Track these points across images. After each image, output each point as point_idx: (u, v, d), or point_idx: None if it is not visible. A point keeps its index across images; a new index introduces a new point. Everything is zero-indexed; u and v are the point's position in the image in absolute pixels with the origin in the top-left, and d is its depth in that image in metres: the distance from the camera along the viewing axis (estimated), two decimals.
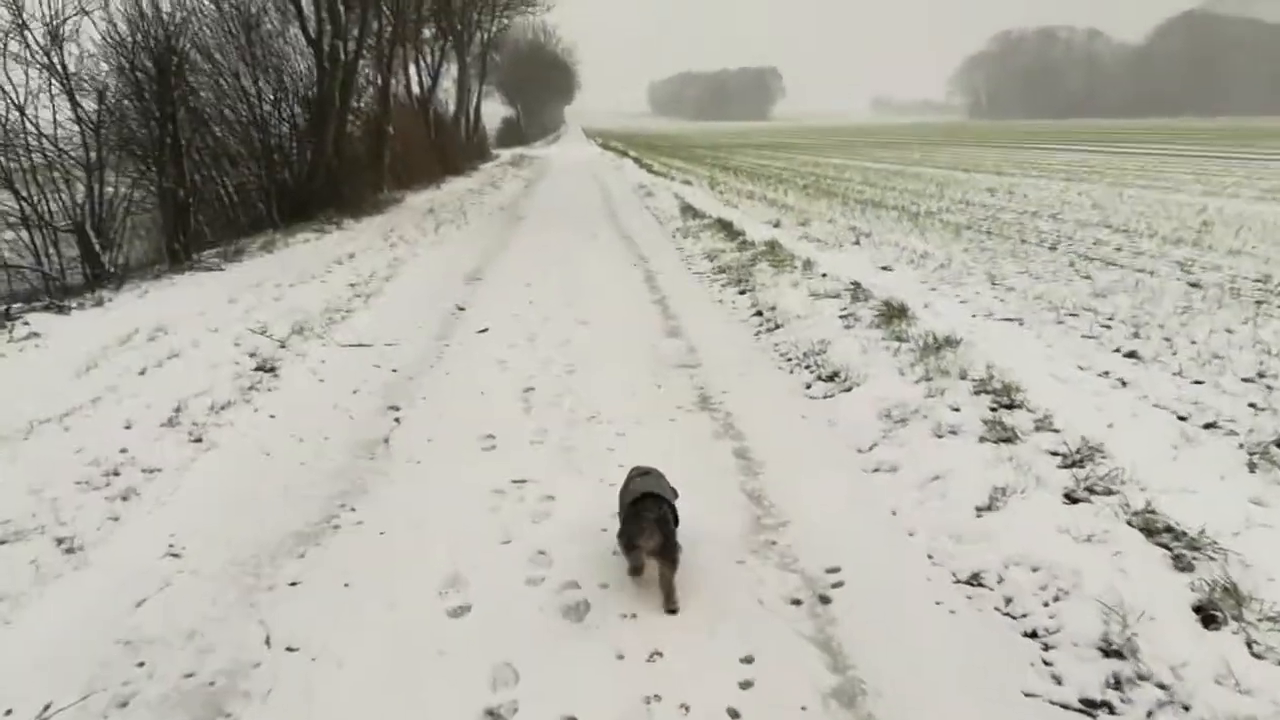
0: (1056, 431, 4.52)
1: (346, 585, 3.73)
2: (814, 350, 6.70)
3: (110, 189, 11.41)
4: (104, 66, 11.81)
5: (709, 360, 7.01)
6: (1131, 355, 5.84)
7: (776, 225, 13.90)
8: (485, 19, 45.62)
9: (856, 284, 8.49)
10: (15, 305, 8.95)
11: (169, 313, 8.65)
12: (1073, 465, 4.16)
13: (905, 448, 4.66)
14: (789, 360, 6.74)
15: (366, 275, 11.32)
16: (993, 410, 4.93)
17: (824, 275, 9.22)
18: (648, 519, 3.38)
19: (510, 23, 50.27)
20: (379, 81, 24.79)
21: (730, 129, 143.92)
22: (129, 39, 12.17)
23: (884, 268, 9.79)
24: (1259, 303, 7.52)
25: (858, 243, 11.75)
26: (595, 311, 8.97)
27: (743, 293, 9.31)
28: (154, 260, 12.90)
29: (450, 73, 42.28)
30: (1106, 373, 5.51)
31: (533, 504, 4.45)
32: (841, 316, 7.43)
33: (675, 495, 3.73)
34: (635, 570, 3.61)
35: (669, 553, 3.39)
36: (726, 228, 13.47)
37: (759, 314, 8.31)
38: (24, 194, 10.20)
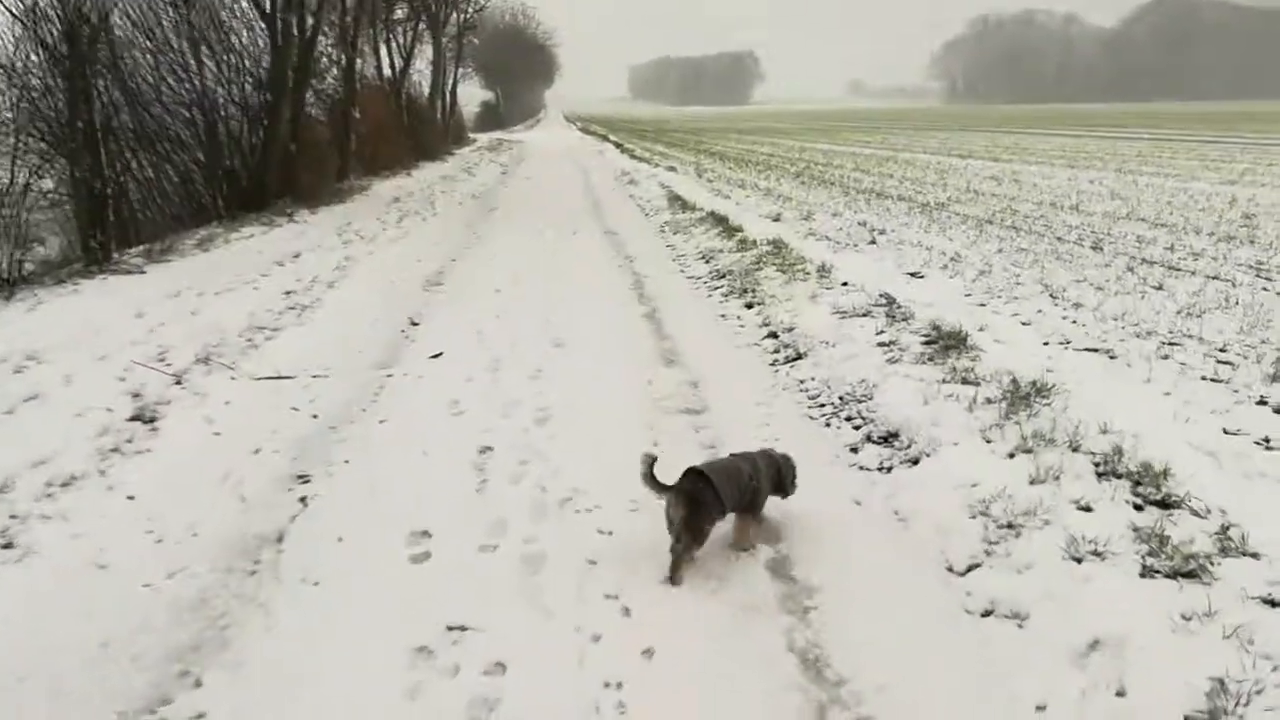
0: (1255, 557, 3.05)
1: None
2: (854, 395, 5.21)
3: (4, 176, 9.75)
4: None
5: (718, 403, 5.51)
6: None
7: (777, 220, 12.38)
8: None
9: (889, 298, 7.00)
10: None
11: (53, 333, 6.99)
12: None
13: (1027, 576, 3.18)
14: (822, 407, 5.25)
15: (308, 280, 9.71)
16: (1139, 509, 3.47)
17: (845, 285, 7.72)
18: (681, 489, 3.45)
19: (488, 3, 48.17)
20: (343, 61, 22.96)
21: (710, 113, 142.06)
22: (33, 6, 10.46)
23: (913, 274, 8.30)
24: None
25: (873, 241, 10.26)
26: (574, 329, 7.45)
27: (749, 306, 7.80)
28: (67, 260, 11.22)
29: (425, 54, 40.36)
30: (1267, 440, 4.05)
31: (473, 677, 2.93)
32: (881, 345, 5.94)
33: (788, 467, 3.86)
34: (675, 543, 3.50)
35: (691, 524, 3.43)
36: (722, 222, 11.94)
37: (773, 335, 6.81)
38: None
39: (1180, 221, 11.70)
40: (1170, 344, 5.67)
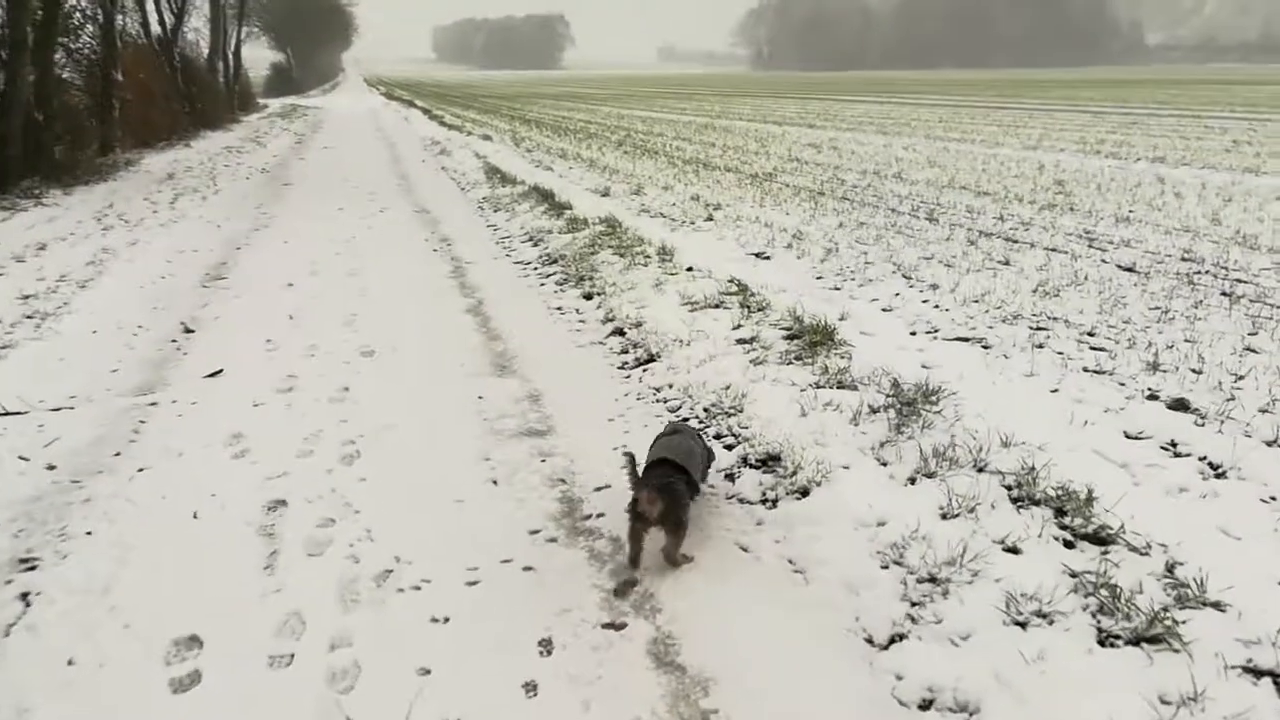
0: (1218, 608, 2.60)
1: None
2: (721, 406, 4.54)
3: None
4: None
5: (564, 421, 4.70)
6: (1181, 407, 4.09)
7: (606, 194, 11.62)
8: None
9: (740, 284, 6.41)
10: None
11: None
12: None
13: (966, 652, 2.59)
14: (684, 420, 4.55)
15: (54, 279, 8.06)
16: (1069, 545, 2.98)
17: (691, 270, 7.08)
18: (651, 485, 3.17)
19: None
20: (100, 18, 20.02)
21: (521, 78, 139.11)
22: None
23: (758, 255, 7.78)
24: (1235, 297, 6.10)
25: (710, 218, 9.70)
26: (386, 331, 6.40)
27: (588, 296, 7.00)
28: None
29: (202, 10, 36.49)
30: (1174, 444, 3.70)
31: None
32: (741, 342, 5.31)
33: (710, 457, 3.71)
34: (632, 558, 3.28)
35: (671, 517, 3.18)
36: (547, 198, 11.04)
37: (619, 333, 6.05)
38: None
39: (1000, 190, 11.89)
40: (1038, 328, 5.37)
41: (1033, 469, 3.38)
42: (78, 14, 19.19)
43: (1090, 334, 5.24)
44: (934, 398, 4.08)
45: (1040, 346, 4.96)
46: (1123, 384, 4.39)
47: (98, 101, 19.54)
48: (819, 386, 4.48)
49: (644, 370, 5.29)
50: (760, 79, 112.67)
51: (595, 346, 5.96)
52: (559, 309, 6.87)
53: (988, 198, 11.20)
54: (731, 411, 4.41)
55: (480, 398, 5.05)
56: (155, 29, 28.31)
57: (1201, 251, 7.71)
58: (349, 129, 30.67)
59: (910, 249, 7.86)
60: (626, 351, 5.71)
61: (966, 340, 5.19)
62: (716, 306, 6.04)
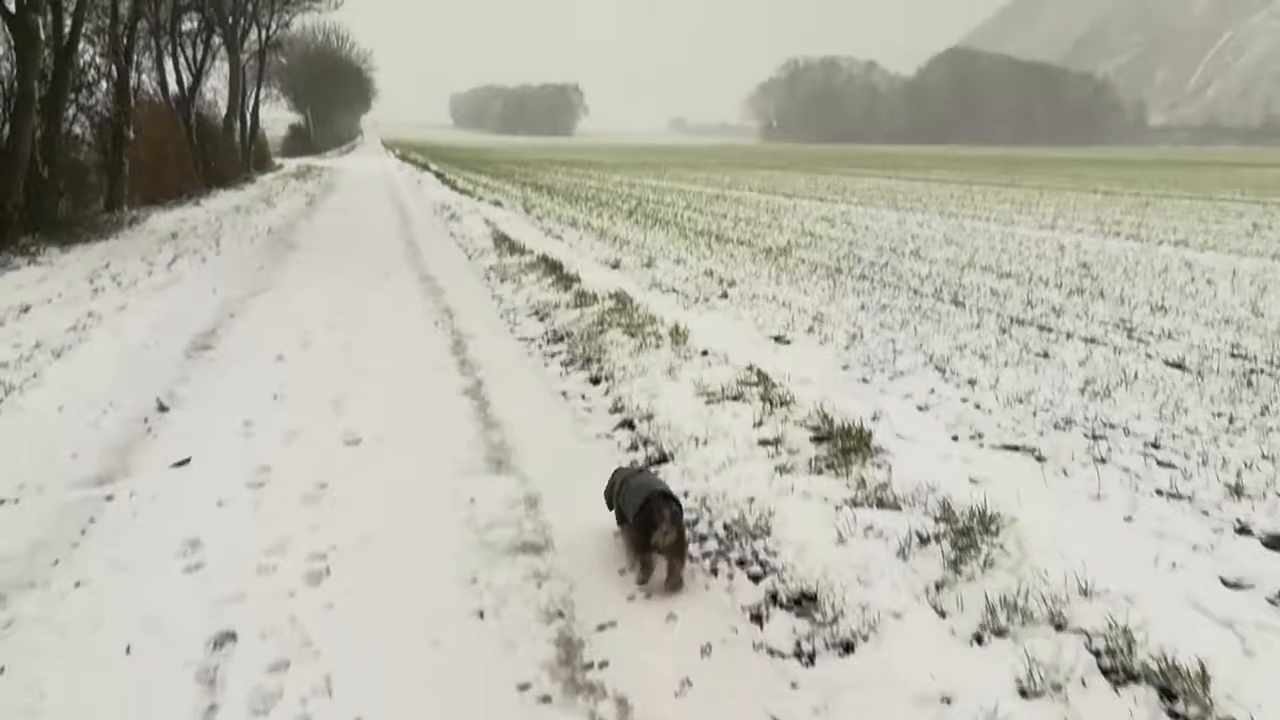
0: None
1: None
2: (744, 524, 3.98)
3: None
4: None
5: (564, 534, 4.14)
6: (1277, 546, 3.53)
7: (616, 266, 11.22)
8: (263, 13, 40.42)
9: (760, 373, 5.90)
10: None
11: None
12: None
13: None
14: (703, 541, 3.97)
15: (30, 345, 7.61)
16: None
17: (705, 354, 6.59)
18: (665, 513, 3.43)
19: (291, 19, 44.84)
20: (114, 74, 20.02)
21: (535, 144, 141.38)
22: None
23: (778, 339, 7.29)
24: None
25: (725, 295, 9.25)
26: (375, 415, 5.88)
27: (596, 381, 6.49)
28: None
29: (222, 71, 36.94)
30: None
31: None
32: (764, 443, 4.78)
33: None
34: (644, 575, 3.57)
35: (682, 549, 3.54)
36: (555, 269, 10.64)
37: (628, 425, 5.51)
38: None
39: (1024, 271, 11.47)
40: (1095, 436, 4.83)
41: (1125, 630, 2.81)
42: (92, 70, 19.20)
43: (1154, 445, 4.69)
44: (993, 525, 3.53)
45: (1102, 461, 4.41)
46: (1206, 512, 3.83)
47: (107, 158, 19.44)
48: (856, 504, 3.92)
49: (656, 472, 4.75)
50: (770, 150, 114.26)
51: (602, 440, 5.42)
52: (563, 393, 6.35)
53: (1011, 280, 10.76)
54: (757, 533, 3.85)
55: (472, 500, 4.50)
56: (173, 88, 28.58)
57: (1250, 346, 7.21)
58: (361, 191, 30.68)
59: (939, 336, 7.37)
60: (636, 448, 5.17)
61: (1016, 449, 4.64)
62: (735, 399, 5.52)
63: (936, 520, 3.65)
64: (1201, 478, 4.22)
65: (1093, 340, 7.32)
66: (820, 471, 4.33)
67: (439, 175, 37.05)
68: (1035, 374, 6.15)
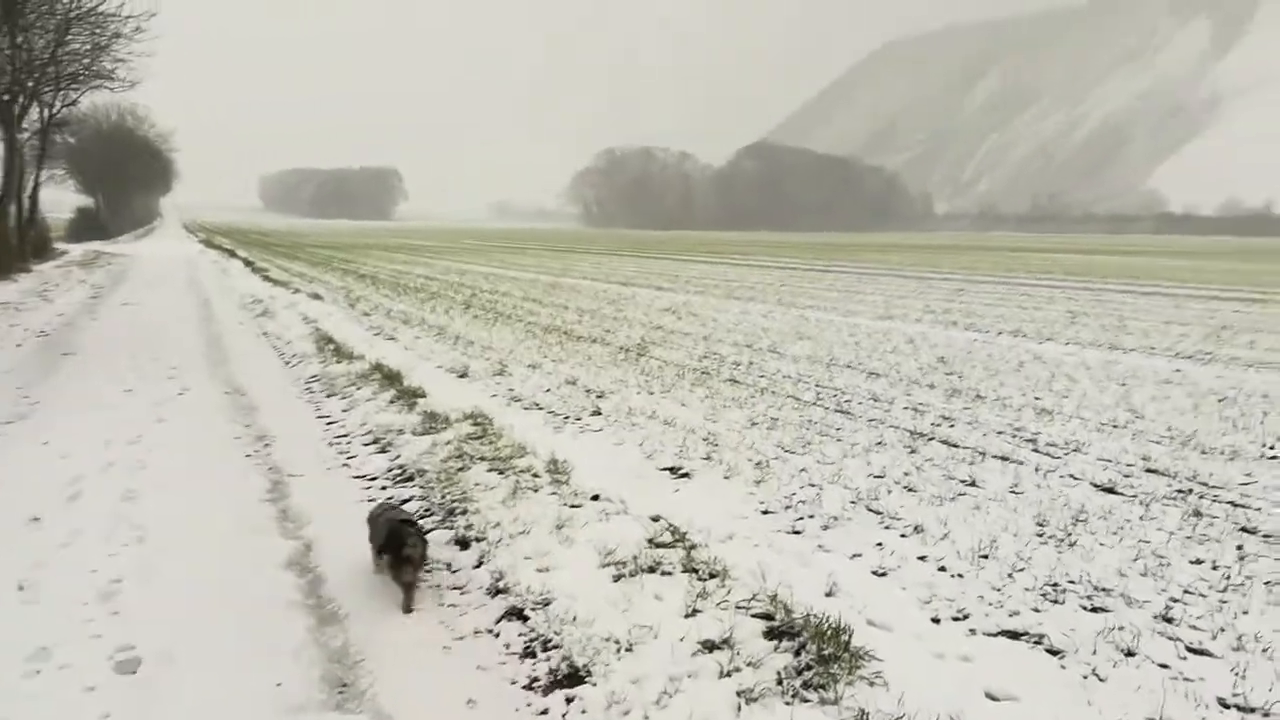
0: None
1: None
2: None
3: None
4: None
5: None
6: None
7: (464, 375, 9.91)
8: (46, 90, 36.52)
9: (672, 529, 4.81)
10: None
11: None
12: None
13: None
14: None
15: None
16: None
17: (596, 499, 5.45)
18: (414, 534, 4.39)
19: (79, 98, 40.88)
20: None
21: (351, 227, 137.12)
22: None
23: (673, 470, 6.26)
24: (1265, 535, 5.06)
25: (598, 411, 8.16)
26: (163, 614, 4.32)
27: (463, 544, 5.15)
28: None
29: None
30: None
31: None
32: (706, 646, 3.65)
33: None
34: (408, 605, 4.36)
35: (425, 561, 4.50)
36: (393, 380, 9.20)
37: (516, 615, 4.22)
38: None
39: (888, 369, 11.13)
40: (1096, 609, 4.04)
41: None
42: None
43: (1167, 619, 3.96)
44: None
45: (1130, 654, 3.59)
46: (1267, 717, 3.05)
47: None
48: None
49: (568, 701, 3.50)
50: (592, 235, 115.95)
51: (481, 639, 4.12)
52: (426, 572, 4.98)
53: (882, 380, 10.34)
54: None
55: None
56: None
57: (1160, 459, 6.85)
58: (158, 281, 27.58)
59: (851, 461, 6.57)
60: (532, 654, 3.90)
61: (1017, 636, 3.77)
62: (651, 570, 4.39)
63: None
64: (1252, 675, 3.46)
65: (1005, 458, 6.76)
66: (796, 695, 3.26)
67: (248, 263, 34.16)
68: (980, 513, 5.40)
